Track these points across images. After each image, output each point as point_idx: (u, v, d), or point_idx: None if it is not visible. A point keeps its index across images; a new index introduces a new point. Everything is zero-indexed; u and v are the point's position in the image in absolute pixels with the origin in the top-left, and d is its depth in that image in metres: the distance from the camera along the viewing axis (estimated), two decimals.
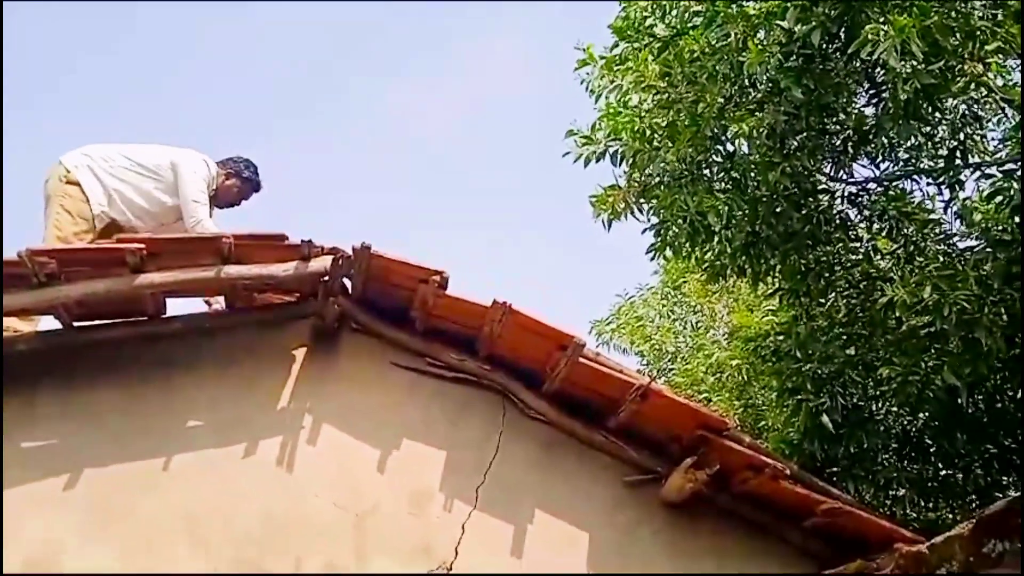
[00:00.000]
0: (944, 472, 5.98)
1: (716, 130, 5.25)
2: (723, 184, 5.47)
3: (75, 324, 3.71)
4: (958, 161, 5.50)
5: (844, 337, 5.73)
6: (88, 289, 3.44)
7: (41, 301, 3.45)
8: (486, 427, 3.90)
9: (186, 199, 4.59)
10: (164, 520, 3.46)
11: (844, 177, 5.84)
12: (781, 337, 6.14)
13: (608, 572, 3.69)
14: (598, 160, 5.58)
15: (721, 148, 5.44)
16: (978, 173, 5.51)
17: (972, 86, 4.99)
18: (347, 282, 3.91)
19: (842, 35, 4.75)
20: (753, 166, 5.26)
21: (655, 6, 5.48)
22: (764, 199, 5.32)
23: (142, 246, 3.49)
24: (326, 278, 3.74)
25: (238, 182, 4.91)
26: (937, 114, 5.33)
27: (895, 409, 5.91)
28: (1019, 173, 4.89)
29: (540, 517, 3.76)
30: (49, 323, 3.82)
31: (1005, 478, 5.87)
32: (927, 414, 5.81)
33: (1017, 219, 4.89)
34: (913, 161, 5.83)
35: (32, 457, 3.46)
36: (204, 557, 3.40)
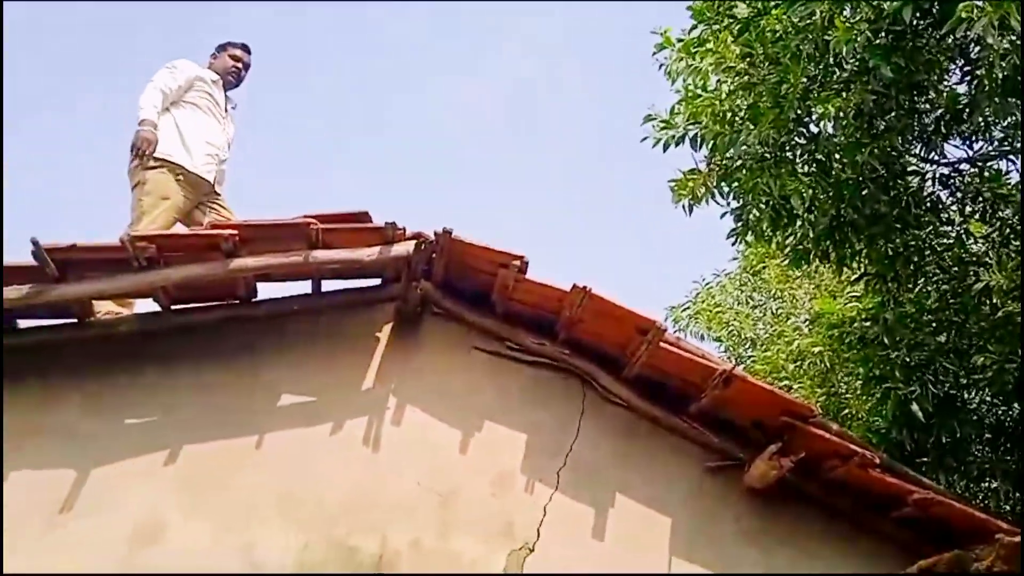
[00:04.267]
0: None
1: (800, 111, 5.12)
2: (807, 167, 5.35)
3: (171, 307, 3.87)
4: None
5: (935, 324, 5.55)
6: (188, 273, 3.58)
7: (143, 284, 3.60)
8: (566, 411, 3.92)
9: None
10: (257, 496, 3.58)
11: (935, 158, 5.65)
12: (868, 324, 5.99)
13: (689, 558, 3.67)
14: (677, 144, 5.52)
15: (805, 130, 5.31)
16: None
17: None
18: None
19: (935, 10, 4.57)
20: (839, 148, 5.13)
21: None
22: (850, 181, 5.19)
23: (235, 232, 3.61)
24: (409, 262, 3.81)
25: (228, 49, 5.24)
26: None
27: (989, 398, 5.71)
28: None
29: (620, 501, 3.76)
30: (145, 306, 4.00)
31: None
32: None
33: None
34: (1009, 141, 5.59)
35: (135, 432, 3.63)
36: (295, 533, 3.51)
